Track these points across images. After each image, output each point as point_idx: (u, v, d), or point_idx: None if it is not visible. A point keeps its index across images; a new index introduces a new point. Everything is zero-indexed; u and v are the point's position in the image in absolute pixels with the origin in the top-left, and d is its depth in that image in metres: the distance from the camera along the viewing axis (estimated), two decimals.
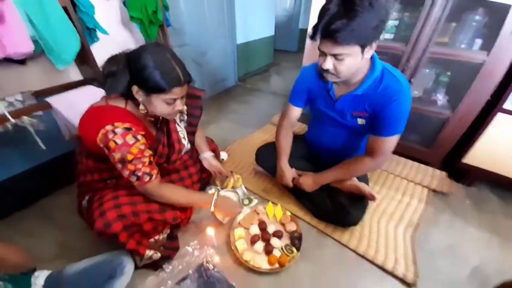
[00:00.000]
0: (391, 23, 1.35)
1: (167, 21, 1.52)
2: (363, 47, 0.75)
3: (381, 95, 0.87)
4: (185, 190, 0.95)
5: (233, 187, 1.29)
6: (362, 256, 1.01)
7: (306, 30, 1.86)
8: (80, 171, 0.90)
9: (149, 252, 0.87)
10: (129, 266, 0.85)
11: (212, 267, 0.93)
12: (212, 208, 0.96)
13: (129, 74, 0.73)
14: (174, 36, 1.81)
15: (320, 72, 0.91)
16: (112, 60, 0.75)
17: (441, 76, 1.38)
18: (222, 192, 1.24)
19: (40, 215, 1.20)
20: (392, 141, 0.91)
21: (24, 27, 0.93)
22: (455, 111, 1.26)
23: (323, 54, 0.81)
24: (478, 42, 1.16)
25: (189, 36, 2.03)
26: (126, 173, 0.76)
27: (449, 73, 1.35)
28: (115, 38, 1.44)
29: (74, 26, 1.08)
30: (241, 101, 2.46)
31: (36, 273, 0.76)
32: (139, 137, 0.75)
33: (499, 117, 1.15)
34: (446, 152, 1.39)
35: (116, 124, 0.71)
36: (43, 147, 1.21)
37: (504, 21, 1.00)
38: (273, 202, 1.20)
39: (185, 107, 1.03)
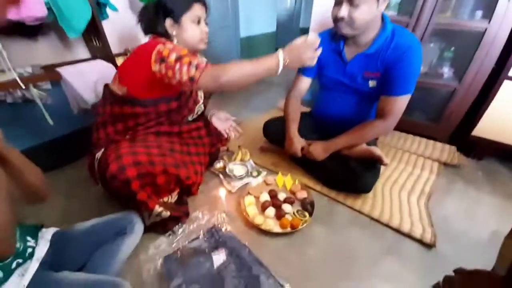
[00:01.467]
0: (394, 0, 1.38)
1: None
2: None
3: (393, 51, 0.88)
4: (247, 61, 0.81)
5: (241, 161, 1.27)
6: (377, 220, 0.98)
7: (307, 29, 1.90)
8: (100, 125, 0.90)
9: (158, 208, 0.84)
10: (138, 225, 0.83)
11: (224, 229, 0.91)
12: (281, 66, 0.80)
13: (160, 13, 0.86)
14: None
15: (333, 30, 0.94)
16: (144, 8, 0.91)
17: (446, 52, 1.40)
18: (231, 165, 1.23)
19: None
20: (403, 101, 0.91)
21: None
22: (462, 82, 1.27)
23: (338, 3, 0.83)
24: (479, 13, 1.18)
25: None
26: (184, 69, 0.76)
27: (452, 48, 1.37)
28: (123, 17, 1.46)
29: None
30: (245, 90, 2.44)
31: (43, 229, 0.73)
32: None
33: (506, 85, 1.15)
34: (455, 126, 1.38)
35: (165, 43, 0.81)
36: (51, 122, 1.22)
37: None
38: (282, 173, 1.19)
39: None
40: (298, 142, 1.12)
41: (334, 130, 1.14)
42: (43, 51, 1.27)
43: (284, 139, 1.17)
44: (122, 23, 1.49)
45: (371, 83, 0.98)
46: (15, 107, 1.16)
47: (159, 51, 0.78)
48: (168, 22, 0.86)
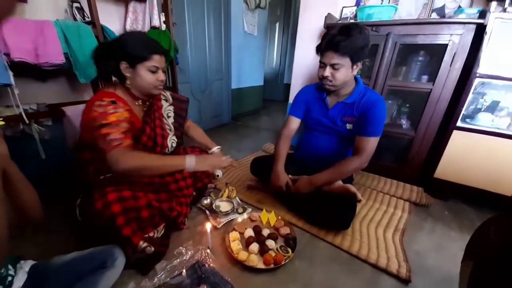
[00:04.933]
0: None
1: (176, 59, 1.81)
2: (352, 61, 1.03)
3: (365, 102, 1.12)
4: (156, 155, 0.90)
5: (228, 197, 1.32)
6: (356, 256, 1.02)
7: (289, 84, 2.25)
8: (80, 169, 0.96)
9: (142, 244, 0.85)
10: (120, 259, 0.82)
11: (207, 265, 0.91)
12: (189, 165, 0.91)
13: (116, 53, 0.86)
14: (180, 74, 2.10)
15: (319, 83, 1.17)
16: (98, 47, 0.90)
17: (402, 107, 1.68)
18: (218, 201, 1.28)
19: None
20: (373, 141, 1.10)
21: (59, 43, 1.13)
22: (417, 132, 1.50)
23: (323, 66, 1.08)
24: (425, 77, 1.49)
25: (192, 76, 2.37)
26: (101, 139, 0.78)
27: (407, 104, 1.66)
28: None
29: None
30: (235, 133, 2.66)
31: (22, 261, 0.72)
32: (120, 109, 0.83)
33: (455, 134, 1.37)
34: (419, 168, 1.55)
35: (103, 98, 0.83)
36: (43, 156, 1.26)
37: (443, 57, 1.33)
38: (266, 210, 1.24)
39: (172, 107, 1.16)
40: (283, 176, 1.22)
41: (316, 168, 1.25)
42: (50, 92, 1.39)
43: (269, 175, 1.27)
44: None
45: (348, 126, 1.18)
46: (11, 139, 1.21)
47: (93, 109, 0.81)
48: (123, 65, 0.86)
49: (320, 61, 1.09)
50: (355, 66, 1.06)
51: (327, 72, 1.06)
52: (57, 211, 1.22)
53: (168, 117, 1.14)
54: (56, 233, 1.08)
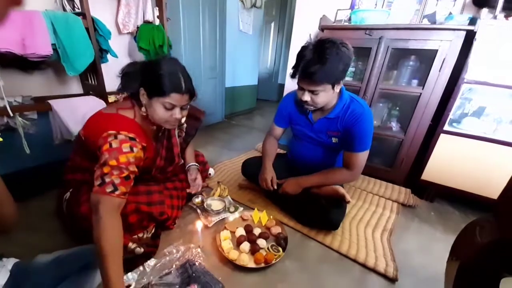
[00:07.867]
0: (349, 69, 1.73)
1: (170, 55, 1.78)
2: (333, 84, 0.97)
3: (349, 117, 1.07)
4: (119, 244, 0.69)
5: (220, 196, 1.32)
6: (345, 256, 1.04)
7: (283, 84, 2.28)
8: (70, 169, 0.90)
9: (131, 245, 0.84)
10: None
11: (198, 264, 0.90)
12: None
13: (140, 77, 0.81)
14: None
15: (299, 102, 1.10)
16: (132, 63, 0.87)
17: (392, 110, 1.72)
18: (209, 200, 1.27)
19: None
20: (363, 156, 1.07)
21: (47, 34, 1.09)
22: (406, 134, 1.54)
23: (302, 89, 1.00)
24: (415, 82, 1.53)
25: None
26: (97, 173, 0.70)
27: (397, 108, 1.70)
28: (121, 63, 1.63)
29: (91, 44, 1.26)
30: (227, 133, 2.65)
31: (3, 259, 0.69)
32: (135, 149, 0.76)
33: (442, 138, 1.41)
34: (407, 170, 1.59)
35: (121, 132, 0.75)
36: (27, 151, 1.21)
37: (433, 62, 1.36)
38: (258, 209, 1.24)
39: (184, 125, 1.13)
40: (271, 173, 1.23)
41: (305, 173, 1.24)
42: (36, 84, 1.35)
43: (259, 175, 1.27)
44: (119, 66, 1.64)
45: (334, 140, 1.16)
46: None
47: (106, 139, 0.74)
48: (142, 91, 0.82)
49: (298, 84, 1.01)
50: (336, 85, 0.98)
51: (307, 97, 0.99)
52: (39, 208, 1.18)
53: (179, 137, 1.12)
54: (39, 231, 1.04)
